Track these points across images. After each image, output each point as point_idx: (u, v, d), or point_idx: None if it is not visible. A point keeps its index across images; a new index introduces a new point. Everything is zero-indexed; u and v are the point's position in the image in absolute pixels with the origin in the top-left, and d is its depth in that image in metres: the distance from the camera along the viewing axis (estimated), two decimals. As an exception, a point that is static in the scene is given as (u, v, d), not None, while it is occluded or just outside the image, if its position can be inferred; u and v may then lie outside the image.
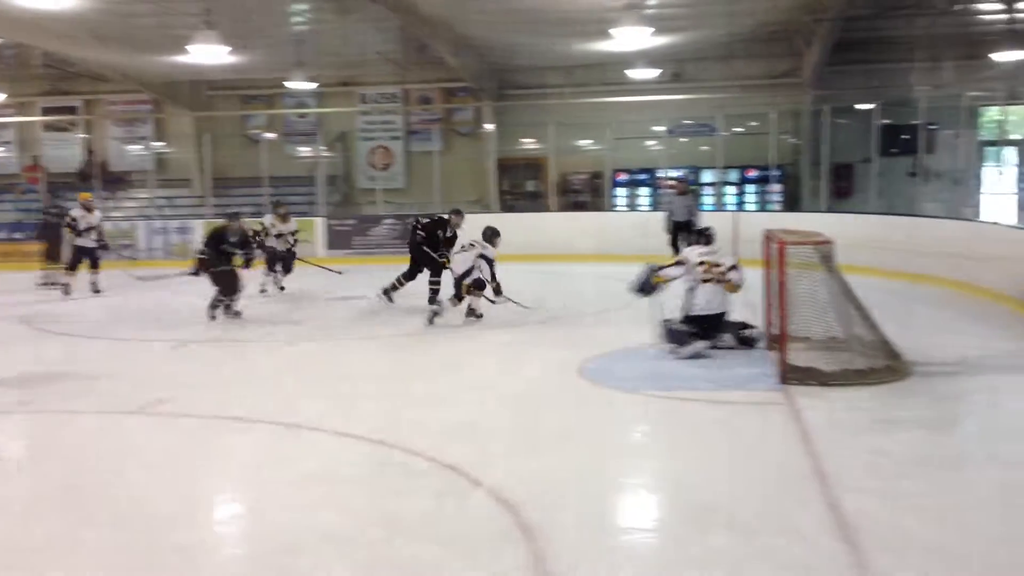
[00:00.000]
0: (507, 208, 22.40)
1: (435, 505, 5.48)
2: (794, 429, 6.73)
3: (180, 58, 18.21)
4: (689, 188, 17.48)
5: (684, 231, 15.56)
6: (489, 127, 22.29)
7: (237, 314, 12.24)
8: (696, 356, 9.03)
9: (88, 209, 15.52)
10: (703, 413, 7.40)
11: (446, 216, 12.89)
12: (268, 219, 15.09)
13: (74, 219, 15.40)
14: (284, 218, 15.10)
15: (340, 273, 14.13)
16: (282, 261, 15.04)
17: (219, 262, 12.01)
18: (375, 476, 6.04)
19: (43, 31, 17.16)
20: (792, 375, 7.89)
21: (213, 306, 12.18)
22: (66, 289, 15.09)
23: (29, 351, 10.81)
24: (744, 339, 9.43)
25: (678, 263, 9.62)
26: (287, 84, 21.34)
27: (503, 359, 9.69)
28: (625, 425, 7.29)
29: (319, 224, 20.06)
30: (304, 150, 23.67)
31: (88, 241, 15.30)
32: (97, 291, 15.14)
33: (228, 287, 12.15)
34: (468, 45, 19.89)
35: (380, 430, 6.92)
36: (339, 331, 11.61)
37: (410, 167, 23.49)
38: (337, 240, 19.82)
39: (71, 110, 24.74)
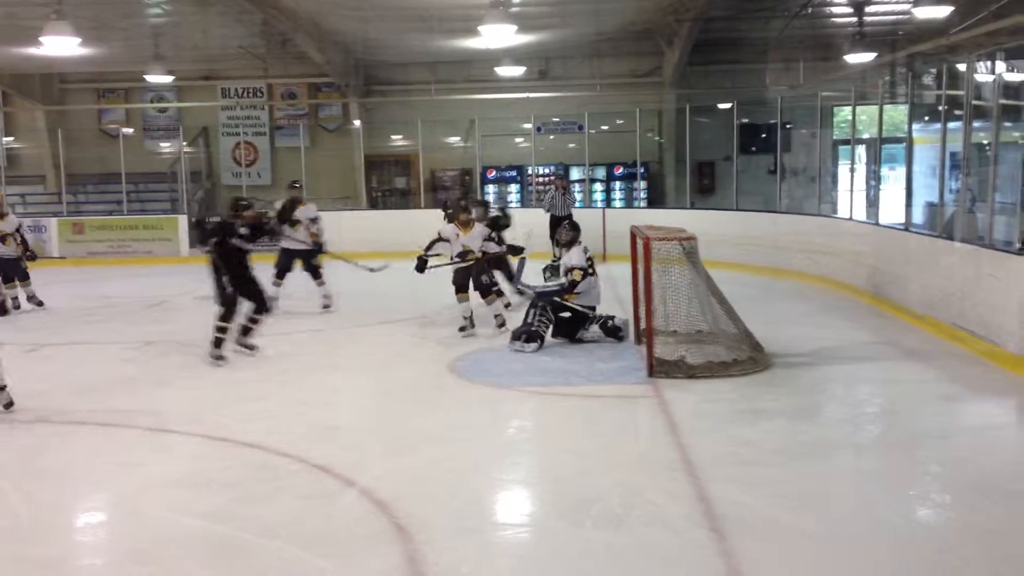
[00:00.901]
0: (375, 205, 22.22)
1: (307, 507, 5.39)
2: (662, 421, 6.88)
3: (30, 49, 17.37)
4: (567, 184, 17.67)
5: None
6: (356, 123, 22.05)
7: (252, 348, 9.55)
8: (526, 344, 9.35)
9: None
10: (575, 407, 7.50)
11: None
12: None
13: None
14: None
15: (373, 270, 12.04)
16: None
17: (236, 268, 9.28)
18: (243, 479, 5.89)
19: None
20: (660, 368, 8.06)
21: (217, 343, 9.20)
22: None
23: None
24: (610, 329, 9.60)
25: (585, 274, 9.61)
26: (145, 77, 20.62)
27: (377, 358, 9.60)
28: (499, 421, 7.31)
29: (182, 222, 19.48)
30: (165, 146, 22.94)
31: (8, 251, 12.44)
32: (39, 303, 12.81)
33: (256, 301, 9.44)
34: (333, 40, 19.63)
35: (249, 433, 6.78)
36: (191, 332, 11.26)
37: (276, 163, 23.02)
38: (201, 238, 19.27)
39: (-89, 102, 23.40)
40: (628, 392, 7.73)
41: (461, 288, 10.48)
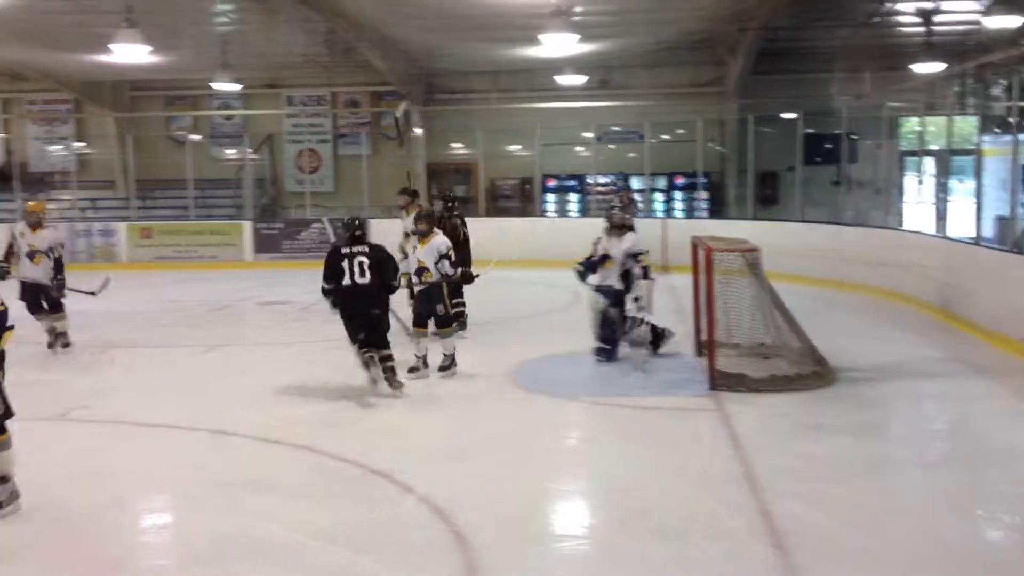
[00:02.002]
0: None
1: (366, 513, 5.42)
2: (724, 434, 6.80)
3: (101, 57, 17.76)
4: (632, 198, 17.54)
5: None
6: (418, 131, 22.18)
7: (399, 385, 8.21)
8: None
9: (33, 225, 10.27)
10: (634, 418, 7.44)
11: None
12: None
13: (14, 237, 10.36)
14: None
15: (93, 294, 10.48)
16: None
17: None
18: (304, 484, 5.95)
19: (-44, 27, 16.66)
20: (721, 381, 7.98)
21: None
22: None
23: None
24: (659, 334, 9.46)
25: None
26: (212, 85, 20.96)
27: (432, 365, 9.61)
28: (556, 431, 7.30)
29: (246, 228, 19.75)
30: (230, 152, 23.28)
31: (36, 272, 10.14)
32: (66, 345, 10.33)
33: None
34: (396, 48, 19.77)
35: (306, 437, 6.84)
36: (261, 337, 11.42)
37: (338, 171, 23.25)
38: (265, 244, 19.53)
39: (-14, 109, 24.05)
40: (689, 404, 7.66)
41: (417, 318, 8.92)
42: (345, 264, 7.96)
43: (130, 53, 15.15)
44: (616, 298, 9.20)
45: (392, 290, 8.21)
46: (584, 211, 21.44)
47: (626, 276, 9.21)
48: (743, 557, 4.75)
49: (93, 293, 10.42)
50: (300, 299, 13.38)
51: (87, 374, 9.31)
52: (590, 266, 9.35)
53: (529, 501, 5.65)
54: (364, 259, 8.00)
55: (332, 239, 11.49)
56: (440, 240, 8.76)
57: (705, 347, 8.54)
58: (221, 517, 5.38)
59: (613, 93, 21.67)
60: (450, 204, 11.41)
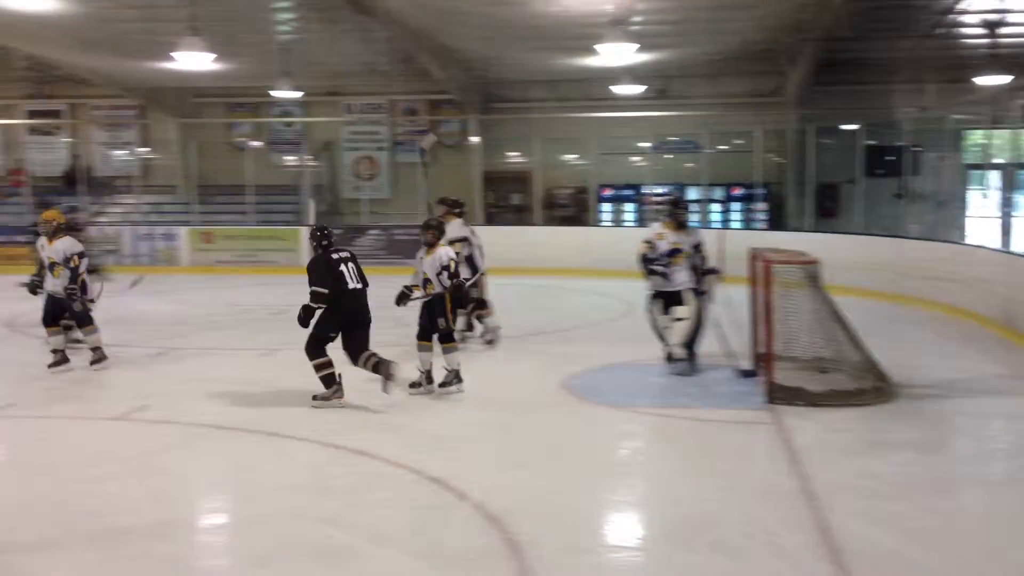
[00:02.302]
0: (491, 221, 22.36)
1: (420, 518, 5.44)
2: (781, 449, 6.71)
3: (165, 64, 18.08)
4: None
5: None
6: (474, 140, 22.28)
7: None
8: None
9: (50, 235, 9.62)
10: (689, 430, 7.37)
11: None
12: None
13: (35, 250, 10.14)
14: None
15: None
16: None
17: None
18: (359, 487, 5.98)
19: (26, 34, 17.04)
20: (779, 394, 7.88)
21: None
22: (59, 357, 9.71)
23: (11, 354, 10.69)
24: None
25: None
26: (273, 93, 21.25)
27: (488, 373, 9.63)
28: (611, 441, 7.26)
29: (304, 233, 19.95)
30: (289, 159, 23.58)
31: (56, 285, 9.55)
32: (96, 361, 9.71)
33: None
34: (454, 58, 19.88)
35: (363, 441, 6.88)
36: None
37: (395, 178, 23.43)
38: (321, 250, 19.72)
39: (55, 114, 24.53)
40: (745, 417, 7.57)
41: (422, 332, 8.52)
42: (343, 268, 7.95)
43: (194, 61, 15.41)
44: (681, 298, 9.18)
45: None
46: (640, 221, 21.35)
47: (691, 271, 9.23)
48: (801, 575, 4.68)
49: (92, 301, 9.84)
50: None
51: (147, 375, 9.46)
52: (656, 262, 9.17)
53: (584, 511, 5.62)
54: (352, 264, 8.07)
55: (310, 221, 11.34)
56: (443, 252, 8.42)
57: (762, 360, 8.45)
58: (277, 519, 5.43)
59: (671, 103, 21.56)
60: (457, 211, 11.24)
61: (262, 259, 19.92)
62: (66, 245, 9.49)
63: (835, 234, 16.99)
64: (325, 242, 8.11)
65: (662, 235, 9.25)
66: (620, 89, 20.28)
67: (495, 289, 11.83)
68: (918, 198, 16.93)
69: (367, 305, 8.11)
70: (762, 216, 20.49)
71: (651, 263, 9.19)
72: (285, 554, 4.94)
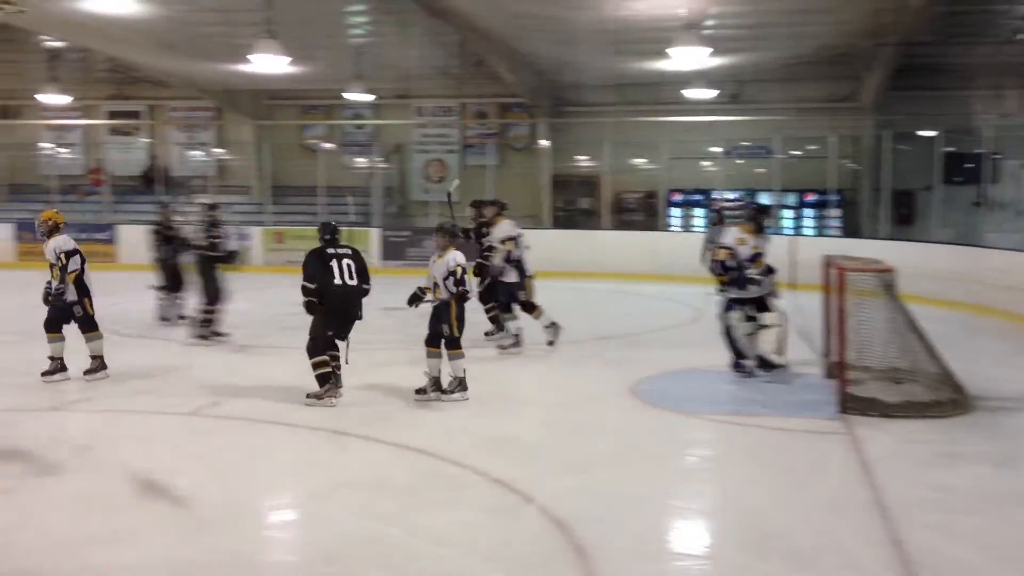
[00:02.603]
0: (559, 224, 22.33)
1: (484, 520, 5.43)
2: (854, 459, 6.58)
3: (241, 67, 18.42)
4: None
5: None
6: (544, 143, 22.27)
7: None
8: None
9: (46, 235, 9.10)
10: (760, 438, 7.27)
11: None
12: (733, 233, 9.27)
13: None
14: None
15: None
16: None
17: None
18: (423, 487, 5.99)
19: (108, 37, 17.46)
20: (852, 404, 7.72)
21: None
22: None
23: (86, 348, 10.92)
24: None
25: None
26: (345, 95, 21.50)
27: (555, 376, 9.60)
28: (679, 447, 7.19)
29: (374, 235, 20.15)
30: (360, 161, 23.83)
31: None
32: (91, 371, 9.05)
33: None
34: (525, 61, 19.91)
35: (427, 441, 6.90)
36: (384, 341, 11.56)
37: (464, 180, 23.52)
38: (391, 251, 19.91)
39: (135, 115, 25.12)
40: (817, 427, 7.43)
41: (430, 337, 8.32)
42: (334, 264, 8.09)
43: (269, 63, 15.65)
44: (768, 304, 9.10)
45: (366, 294, 8.31)
46: (709, 226, 21.13)
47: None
48: (874, 587, 4.58)
49: (74, 304, 8.94)
50: (422, 306, 13.52)
51: (219, 372, 9.61)
52: (734, 271, 8.97)
53: (651, 517, 5.57)
54: (350, 261, 8.18)
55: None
56: (451, 256, 8.25)
57: (835, 369, 8.29)
58: (343, 517, 5.47)
59: (743, 107, 21.34)
60: (505, 211, 11.22)
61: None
62: (57, 243, 8.88)
63: (911, 242, 16.63)
64: (328, 236, 8.31)
65: (743, 240, 9.04)
66: (692, 93, 20.13)
67: (563, 293, 11.81)
68: (997, 206, 16.50)
69: (358, 303, 8.19)
70: (836, 223, 20.14)
71: (731, 271, 8.98)
72: (350, 552, 4.97)
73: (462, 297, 8.24)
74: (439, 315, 8.24)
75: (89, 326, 9.07)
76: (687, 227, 21.62)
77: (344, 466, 6.47)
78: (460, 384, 8.24)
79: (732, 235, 9.16)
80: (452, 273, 8.19)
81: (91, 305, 9.05)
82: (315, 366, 8.07)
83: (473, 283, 9.24)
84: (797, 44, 17.65)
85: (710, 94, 20.28)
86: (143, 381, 9.04)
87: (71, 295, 8.86)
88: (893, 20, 15.86)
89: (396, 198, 23.82)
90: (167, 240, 12.55)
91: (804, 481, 6.19)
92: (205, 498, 5.75)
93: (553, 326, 10.68)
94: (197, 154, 24.71)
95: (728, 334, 9.20)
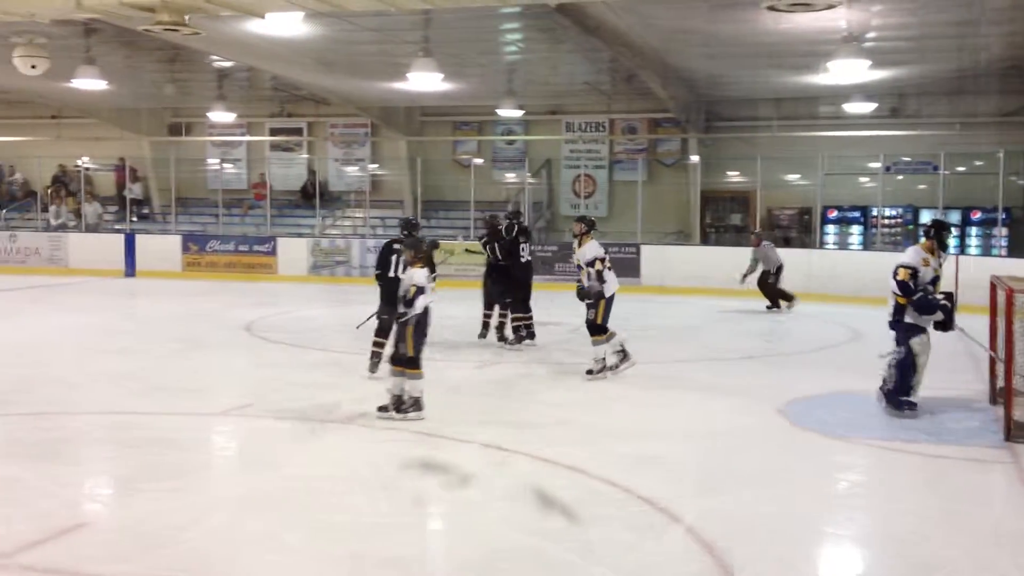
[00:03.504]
0: (708, 241, 22.02)
1: (632, 538, 5.39)
2: (1020, 491, 6.25)
3: (397, 84, 18.92)
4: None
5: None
6: (694, 158, 22.03)
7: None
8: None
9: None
10: (918, 466, 6.99)
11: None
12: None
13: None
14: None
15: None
16: None
17: None
18: (569, 502, 5.97)
19: (274, 57, 18.20)
20: (1019, 432, 7.34)
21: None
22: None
23: (248, 358, 11.41)
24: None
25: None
26: (497, 111, 21.79)
27: (702, 395, 9.46)
28: (830, 472, 6.97)
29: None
30: (510, 176, 24.08)
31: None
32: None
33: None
34: (677, 76, 19.74)
35: (571, 457, 6.90)
36: (530, 357, 11.63)
37: (613, 196, 23.50)
38: (539, 266, 20.01)
39: (296, 131, 26.12)
40: (980, 455, 7.09)
41: (392, 355, 8.35)
42: (393, 258, 9.34)
43: (425, 81, 16.03)
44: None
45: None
46: (867, 244, 20.47)
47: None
48: (1041, 627, 4.33)
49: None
50: (570, 320, 13.54)
51: (371, 382, 9.85)
52: (920, 294, 8.20)
53: (800, 542, 5.43)
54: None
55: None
56: (410, 275, 8.24)
57: (1001, 395, 7.90)
58: (495, 529, 5.52)
59: (904, 121, 20.58)
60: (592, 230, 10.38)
61: (479, 273, 20.25)
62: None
63: (1087, 264, 15.69)
64: (405, 232, 9.60)
65: (927, 261, 8.31)
66: (850, 107, 19.57)
67: (712, 310, 11.67)
68: None
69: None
70: (1003, 242, 19.18)
71: (917, 293, 8.16)
72: (500, 565, 5.01)
73: (403, 321, 8.13)
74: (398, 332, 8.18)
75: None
76: (843, 245, 20.97)
77: (494, 479, 6.52)
78: (415, 404, 8.06)
79: (915, 254, 8.37)
80: (404, 294, 8.17)
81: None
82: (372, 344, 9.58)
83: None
84: (963, 56, 16.92)
85: (868, 108, 19.67)
86: (302, 389, 9.34)
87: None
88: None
89: (544, 213, 23.97)
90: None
91: (965, 511, 5.92)
92: (361, 505, 5.90)
93: (622, 352, 9.99)
94: (352, 169, 25.47)
95: (901, 364, 8.28)
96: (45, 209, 25.15)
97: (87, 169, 25.37)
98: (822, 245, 20.72)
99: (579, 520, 5.66)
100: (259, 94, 23.94)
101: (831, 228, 21.21)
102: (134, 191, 25.08)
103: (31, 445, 7.20)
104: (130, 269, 22.17)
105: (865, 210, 20.94)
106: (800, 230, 21.55)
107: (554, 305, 14.74)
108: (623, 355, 9.93)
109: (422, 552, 5.41)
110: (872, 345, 9.24)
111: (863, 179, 21.17)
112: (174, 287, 19.17)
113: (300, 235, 22.78)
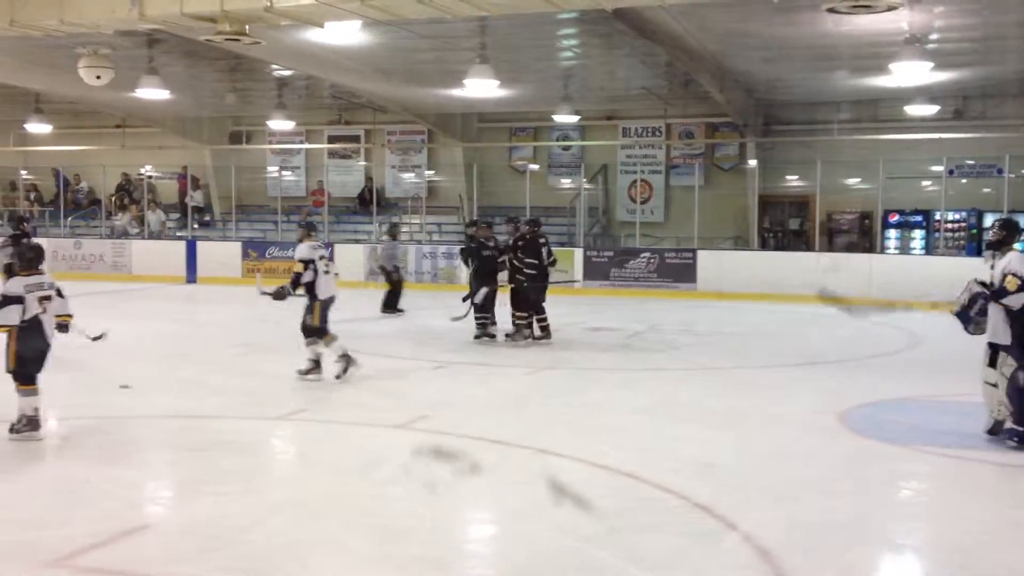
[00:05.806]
0: (766, 246, 21.80)
1: (688, 545, 5.35)
2: (1090, 501, 6.09)
3: (454, 91, 19.01)
4: None
5: None
6: (752, 163, 21.81)
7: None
8: None
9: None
10: (987, 475, 6.85)
11: None
12: None
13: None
14: None
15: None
16: None
17: None
18: (624, 510, 5.96)
19: (332, 65, 18.40)
20: (1088, 441, 7.13)
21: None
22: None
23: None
24: None
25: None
26: (553, 117, 21.79)
27: (760, 400, 9.36)
28: (892, 480, 6.85)
29: (577, 255, 20.29)
30: (566, 182, 24.04)
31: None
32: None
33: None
34: (735, 80, 19.58)
35: (629, 463, 6.87)
36: (589, 362, 11.61)
37: (669, 201, 23.35)
38: (594, 271, 19.99)
39: (354, 139, 26.38)
40: (1048, 464, 6.92)
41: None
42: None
43: (481, 87, 16.09)
44: None
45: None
46: (929, 249, 20.11)
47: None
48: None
49: None
50: (628, 326, 13.54)
51: (428, 387, 9.92)
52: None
53: (860, 551, 5.33)
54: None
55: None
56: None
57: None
58: (543, 534, 5.51)
59: (968, 123, 20.17)
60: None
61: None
62: None
63: None
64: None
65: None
66: (912, 109, 19.26)
67: (771, 315, 11.55)
68: None
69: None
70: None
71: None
72: (548, 571, 4.99)
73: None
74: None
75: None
76: (905, 250, 20.62)
77: (549, 485, 6.50)
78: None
79: (1018, 259, 7.41)
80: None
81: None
82: None
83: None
84: (1030, 57, 16.60)
85: (931, 110, 19.34)
86: (356, 395, 9.42)
87: None
88: None
89: (600, 219, 23.90)
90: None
91: (1034, 522, 5.78)
92: (411, 508, 5.92)
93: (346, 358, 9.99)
94: (409, 176, 25.64)
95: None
96: (109, 216, 25.69)
97: (150, 177, 25.88)
98: (883, 250, 20.42)
99: (631, 526, 5.63)
100: (318, 102, 24.22)
101: (892, 232, 20.87)
102: (195, 199, 25.52)
103: (96, 448, 7.34)
104: (191, 275, 22.56)
105: (928, 214, 20.57)
106: (860, 234, 21.23)
107: (613, 311, 14.68)
108: (347, 360, 9.84)
109: (471, 557, 5.42)
110: (932, 350, 9.08)
111: (925, 182, 20.81)
112: (234, 293, 19.42)
113: (357, 241, 22.98)
